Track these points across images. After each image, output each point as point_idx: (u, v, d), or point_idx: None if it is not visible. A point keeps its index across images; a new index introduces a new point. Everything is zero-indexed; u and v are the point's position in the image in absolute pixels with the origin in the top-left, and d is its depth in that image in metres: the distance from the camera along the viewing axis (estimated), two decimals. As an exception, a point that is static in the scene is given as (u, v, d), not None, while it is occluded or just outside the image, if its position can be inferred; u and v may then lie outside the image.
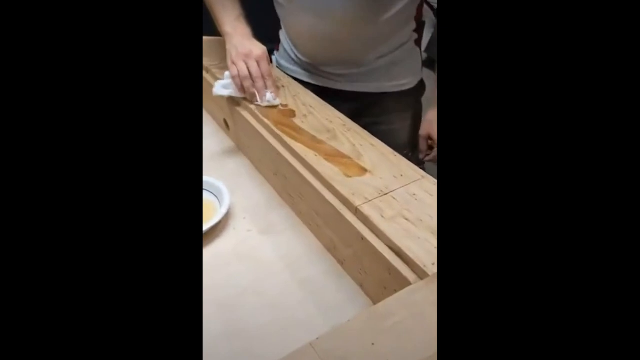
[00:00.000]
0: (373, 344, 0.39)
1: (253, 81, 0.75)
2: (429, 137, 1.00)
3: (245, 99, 0.78)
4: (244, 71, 0.75)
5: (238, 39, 0.78)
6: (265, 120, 0.73)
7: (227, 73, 0.79)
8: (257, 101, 0.75)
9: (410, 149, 0.99)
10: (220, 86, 0.78)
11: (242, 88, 0.76)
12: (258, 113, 0.75)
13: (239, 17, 0.81)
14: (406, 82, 0.94)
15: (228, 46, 0.79)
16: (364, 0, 0.78)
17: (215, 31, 1.00)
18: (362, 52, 0.87)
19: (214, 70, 0.89)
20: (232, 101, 0.81)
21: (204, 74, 0.91)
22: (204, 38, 1.01)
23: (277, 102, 0.76)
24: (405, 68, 0.93)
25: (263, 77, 0.75)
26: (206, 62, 0.92)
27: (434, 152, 1.01)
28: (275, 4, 0.89)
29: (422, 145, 1.02)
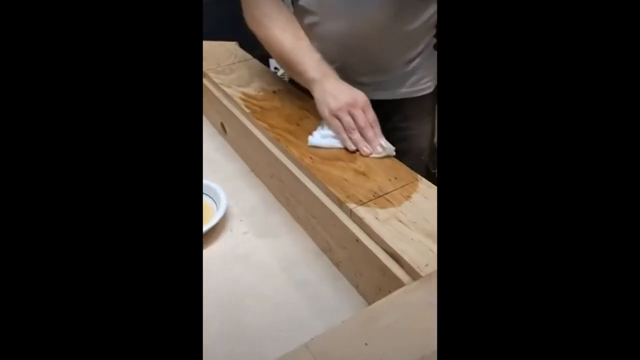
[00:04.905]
0: (366, 344, 0.40)
1: (360, 132, 0.68)
2: None
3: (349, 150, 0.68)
4: (349, 123, 0.67)
5: (332, 84, 0.70)
6: (262, 124, 0.74)
7: (323, 124, 0.72)
8: (368, 152, 0.66)
9: (428, 154, 0.99)
10: (319, 136, 0.70)
11: (347, 140, 0.68)
12: (253, 117, 0.76)
13: (321, 60, 0.73)
14: (426, 87, 0.94)
15: (319, 94, 0.70)
16: (399, 2, 0.77)
17: (212, 34, 1.00)
18: (392, 57, 0.87)
19: (210, 75, 0.90)
20: (229, 105, 0.82)
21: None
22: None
23: (393, 151, 0.67)
24: (426, 72, 0.92)
25: (371, 125, 0.68)
26: (204, 66, 0.93)
27: None
28: (299, 12, 0.85)
29: None
